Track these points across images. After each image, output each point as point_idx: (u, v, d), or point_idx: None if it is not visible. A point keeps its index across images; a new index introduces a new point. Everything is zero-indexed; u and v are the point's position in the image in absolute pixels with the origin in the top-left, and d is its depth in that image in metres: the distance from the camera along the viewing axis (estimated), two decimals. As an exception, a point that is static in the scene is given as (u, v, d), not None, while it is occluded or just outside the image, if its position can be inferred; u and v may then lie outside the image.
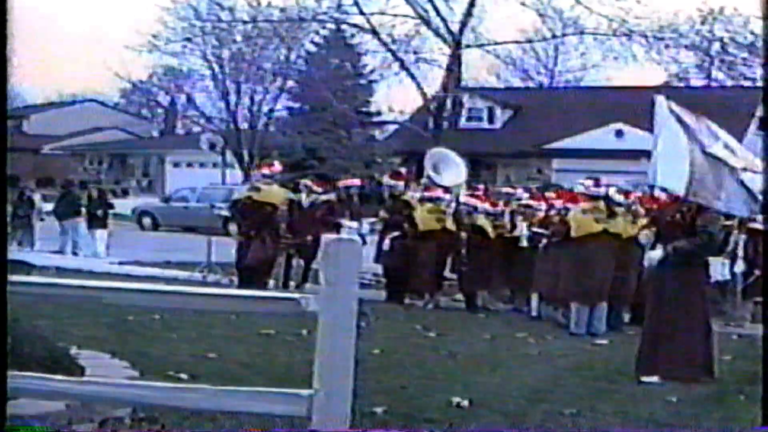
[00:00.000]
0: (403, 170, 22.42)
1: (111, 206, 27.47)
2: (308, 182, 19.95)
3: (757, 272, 15.68)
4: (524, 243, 16.49)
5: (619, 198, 14.81)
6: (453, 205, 17.46)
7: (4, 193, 4.95)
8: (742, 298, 16.17)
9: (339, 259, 4.87)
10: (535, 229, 16.34)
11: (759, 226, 15.73)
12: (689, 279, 10.54)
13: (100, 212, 26.43)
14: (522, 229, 16.75)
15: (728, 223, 15.57)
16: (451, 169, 19.11)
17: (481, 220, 16.99)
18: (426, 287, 17.28)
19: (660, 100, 10.77)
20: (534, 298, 16.18)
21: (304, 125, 48.18)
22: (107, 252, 25.40)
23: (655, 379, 9.98)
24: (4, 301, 4.68)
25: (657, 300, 10.49)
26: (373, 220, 18.28)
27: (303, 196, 18.73)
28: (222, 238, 20.37)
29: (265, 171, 18.36)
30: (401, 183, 18.95)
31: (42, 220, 27.65)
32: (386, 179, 19.67)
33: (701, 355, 10.40)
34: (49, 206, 28.42)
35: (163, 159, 62.61)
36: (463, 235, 16.97)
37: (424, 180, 18.85)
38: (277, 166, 18.58)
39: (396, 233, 17.35)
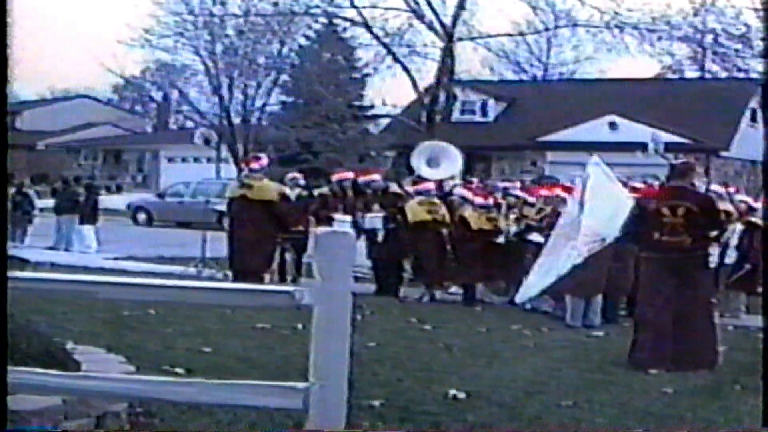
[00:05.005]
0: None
1: (96, 203, 27.36)
2: (296, 175, 19.85)
3: (747, 266, 15.66)
4: (508, 238, 16.55)
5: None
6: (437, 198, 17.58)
7: (4, 191, 4.94)
8: (729, 289, 16.15)
9: (333, 253, 4.87)
10: (513, 229, 16.43)
11: (757, 219, 15.78)
12: (693, 270, 10.61)
13: (89, 208, 26.42)
14: (509, 224, 16.83)
15: (728, 208, 15.66)
16: (447, 162, 19.12)
17: (472, 213, 16.99)
18: (423, 279, 17.37)
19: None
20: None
21: (297, 119, 48.09)
22: (98, 247, 25.39)
23: (662, 371, 10.02)
24: (4, 307, 4.67)
25: (658, 292, 10.53)
26: (381, 214, 18.00)
27: (287, 189, 18.47)
28: (217, 233, 20.31)
29: (254, 165, 17.98)
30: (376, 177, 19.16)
31: (35, 216, 27.67)
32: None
33: (708, 346, 10.46)
34: (42, 203, 28.45)
35: (157, 154, 62.57)
36: (456, 227, 17.01)
37: (413, 176, 18.82)
38: (264, 160, 18.26)
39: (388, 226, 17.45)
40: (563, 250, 12.41)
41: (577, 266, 13.85)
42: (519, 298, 13.38)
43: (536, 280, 12.63)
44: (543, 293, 13.21)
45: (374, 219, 17.53)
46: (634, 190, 14.24)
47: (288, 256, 18.60)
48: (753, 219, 15.97)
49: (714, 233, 11.15)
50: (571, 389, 8.86)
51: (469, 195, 17.58)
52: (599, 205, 12.41)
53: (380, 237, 17.45)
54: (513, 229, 16.68)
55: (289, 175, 19.67)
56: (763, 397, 6.15)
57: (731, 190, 18.40)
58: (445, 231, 17.19)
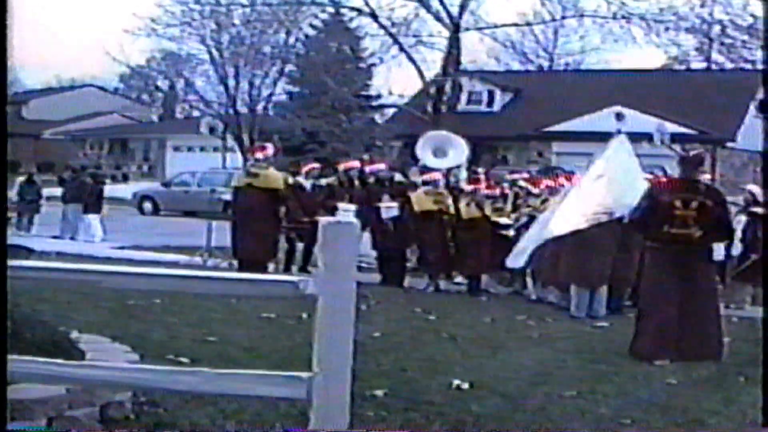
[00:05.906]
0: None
1: (101, 192, 27.28)
2: (314, 166, 19.86)
3: (753, 256, 15.63)
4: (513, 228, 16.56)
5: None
6: (442, 185, 17.59)
7: (4, 180, 4.94)
8: (736, 281, 16.13)
9: (337, 243, 4.87)
10: (524, 220, 16.44)
11: (761, 210, 15.76)
12: (698, 261, 10.61)
13: (94, 197, 26.44)
14: (519, 216, 16.83)
15: (732, 199, 15.62)
16: (453, 151, 19.10)
17: (479, 204, 16.99)
18: (429, 269, 17.39)
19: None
20: (530, 281, 16.22)
21: (303, 109, 48.11)
22: (104, 236, 25.40)
23: (667, 362, 10.01)
24: (5, 301, 4.67)
25: (662, 283, 10.53)
26: (395, 203, 17.90)
27: (301, 178, 18.53)
28: (222, 222, 20.32)
29: (259, 155, 17.95)
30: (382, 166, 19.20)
31: (42, 205, 27.72)
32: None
33: (713, 337, 10.46)
34: (48, 191, 28.48)
35: (164, 143, 62.61)
36: (463, 217, 17.01)
37: (419, 166, 18.78)
38: (270, 149, 18.22)
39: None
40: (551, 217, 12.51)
41: (582, 251, 13.90)
42: (509, 263, 13.50)
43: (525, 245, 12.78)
44: (532, 256, 13.32)
45: (390, 209, 17.52)
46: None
47: (297, 245, 18.62)
48: (756, 210, 15.95)
49: (725, 227, 11.17)
50: (575, 380, 8.86)
51: (476, 185, 17.57)
52: (615, 179, 12.40)
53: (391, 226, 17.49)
54: (524, 219, 16.66)
55: (307, 166, 19.66)
56: (762, 396, 6.14)
57: (707, 177, 18.33)
58: (448, 220, 17.18)
